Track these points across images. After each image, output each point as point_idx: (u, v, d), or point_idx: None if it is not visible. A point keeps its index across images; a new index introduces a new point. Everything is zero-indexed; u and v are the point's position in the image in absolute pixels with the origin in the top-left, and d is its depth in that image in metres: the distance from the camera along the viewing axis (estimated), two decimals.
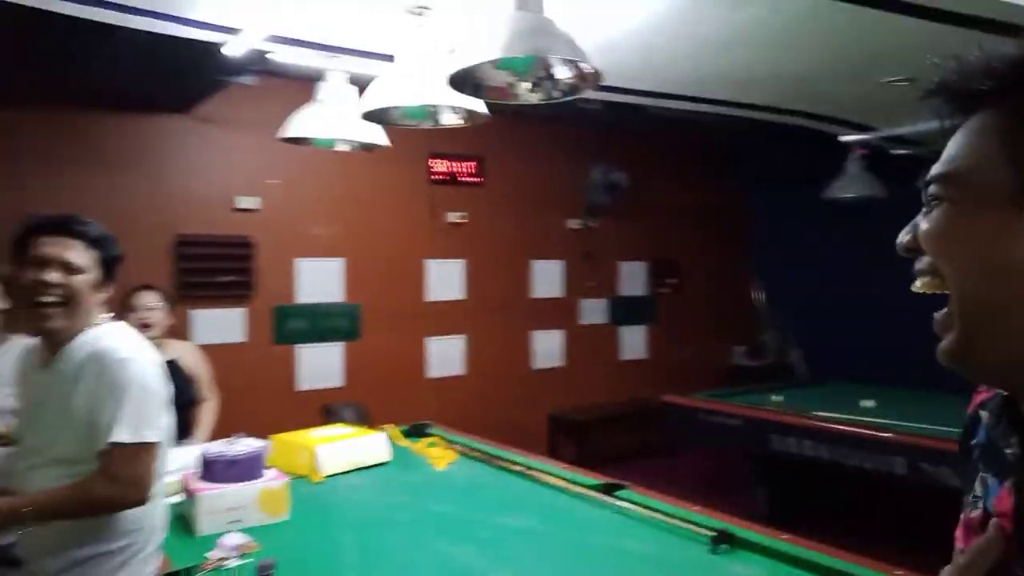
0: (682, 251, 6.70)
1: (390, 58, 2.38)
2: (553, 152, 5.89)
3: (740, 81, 3.73)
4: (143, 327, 3.01)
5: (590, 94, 1.94)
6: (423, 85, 2.13)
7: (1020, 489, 0.62)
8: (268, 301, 4.86)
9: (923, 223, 0.64)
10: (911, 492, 3.58)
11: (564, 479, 2.56)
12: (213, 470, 2.20)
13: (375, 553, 2.00)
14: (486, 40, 1.76)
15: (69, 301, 1.72)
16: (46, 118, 4.18)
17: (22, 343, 1.99)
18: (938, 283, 0.64)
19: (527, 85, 1.94)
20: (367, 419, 3.99)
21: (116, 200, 4.33)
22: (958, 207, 0.62)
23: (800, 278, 6.32)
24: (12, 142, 4.09)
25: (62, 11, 2.62)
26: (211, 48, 3.05)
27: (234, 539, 1.95)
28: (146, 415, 1.69)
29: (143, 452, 1.68)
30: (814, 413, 4.10)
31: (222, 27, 2.92)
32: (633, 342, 6.55)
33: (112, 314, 1.86)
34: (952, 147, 0.64)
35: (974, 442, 0.75)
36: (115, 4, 2.67)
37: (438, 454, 2.91)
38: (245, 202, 4.75)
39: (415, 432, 3.26)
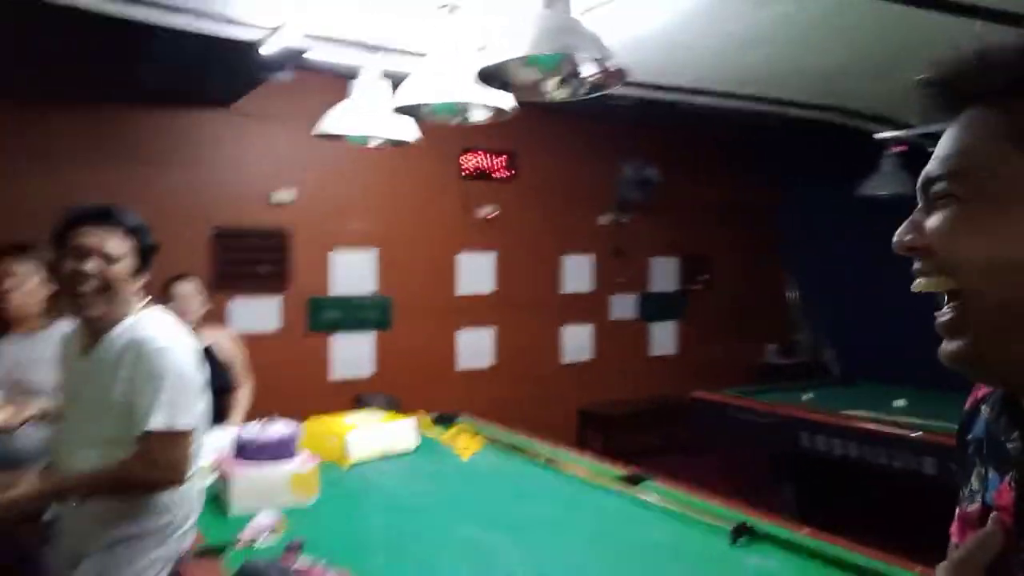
0: (714, 247, 6.67)
1: (423, 55, 2.43)
2: (584, 147, 5.90)
3: (768, 77, 3.72)
4: (181, 315, 3.11)
5: (620, 90, 1.97)
6: (452, 82, 2.18)
7: (1021, 483, 0.62)
8: (302, 292, 4.96)
9: (931, 221, 0.63)
10: (940, 492, 3.54)
11: (588, 469, 2.60)
12: (247, 452, 2.28)
13: (400, 536, 2.06)
14: (513, 38, 1.80)
15: (107, 289, 1.79)
16: (92, 115, 4.32)
17: (66, 326, 2.09)
18: (942, 283, 0.62)
19: (554, 82, 1.98)
20: (398, 408, 4.06)
21: (158, 193, 4.46)
22: (970, 205, 0.61)
23: (833, 276, 6.24)
24: (60, 138, 4.24)
25: (107, 11, 2.72)
26: (249, 46, 3.14)
27: (265, 519, 2.02)
28: (182, 403, 1.75)
29: (179, 438, 1.75)
30: (844, 411, 4.08)
31: (260, 26, 3.00)
32: (663, 338, 6.55)
33: (150, 298, 1.94)
34: (955, 143, 0.63)
35: (970, 436, 0.75)
36: (158, 4, 2.77)
37: (464, 443, 2.97)
38: (281, 195, 4.85)
39: (443, 420, 3.33)
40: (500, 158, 5.61)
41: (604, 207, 6.12)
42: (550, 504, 2.34)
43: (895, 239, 0.66)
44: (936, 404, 4.22)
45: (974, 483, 0.71)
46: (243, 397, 3.37)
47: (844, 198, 4.92)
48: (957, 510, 0.74)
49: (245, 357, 3.50)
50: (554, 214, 5.88)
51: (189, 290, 3.23)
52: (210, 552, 1.86)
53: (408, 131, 2.83)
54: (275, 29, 2.97)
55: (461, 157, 5.47)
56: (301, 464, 2.30)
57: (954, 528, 0.83)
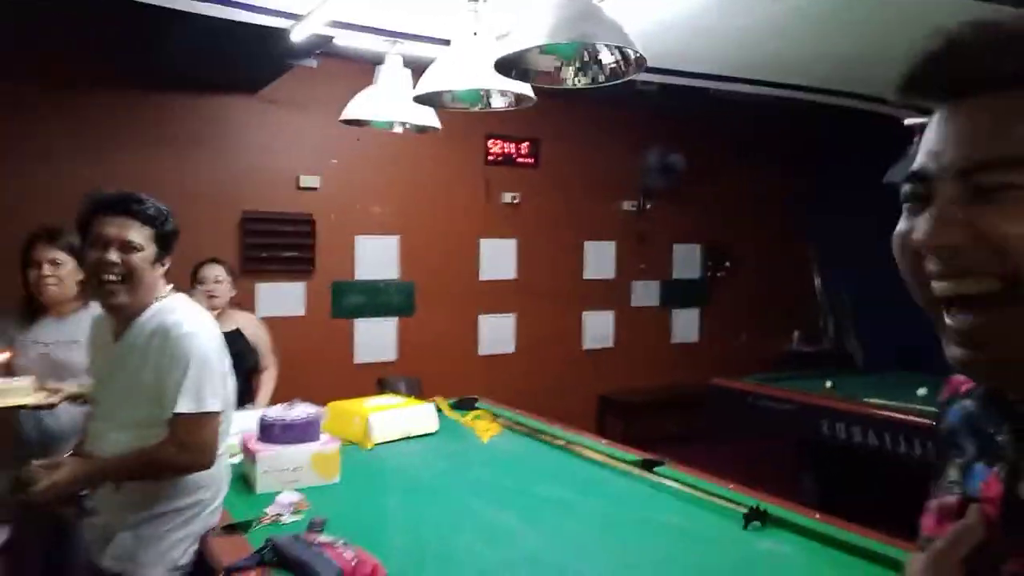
0: (737, 235, 6.64)
1: (447, 43, 2.46)
2: (608, 134, 5.89)
3: (793, 63, 3.68)
4: (209, 298, 3.19)
5: (644, 76, 1.98)
6: (474, 69, 2.20)
7: (1011, 475, 0.62)
8: (327, 277, 5.04)
9: (990, 216, 0.56)
10: None
11: (605, 454, 2.63)
12: (271, 433, 2.34)
13: (419, 515, 2.12)
14: (532, 26, 1.82)
15: (130, 278, 1.84)
16: (122, 100, 4.41)
17: (97, 309, 2.15)
18: (985, 283, 0.57)
19: (573, 70, 1.99)
20: (420, 392, 4.12)
21: (187, 178, 4.55)
22: None
23: (859, 264, 6.18)
24: (91, 123, 4.33)
25: None
26: (277, 33, 3.18)
27: (289, 497, 2.09)
28: (208, 386, 1.81)
29: (207, 420, 1.81)
30: (866, 400, 4.06)
31: (287, 13, 3.04)
32: (685, 326, 6.54)
33: (172, 286, 1.98)
34: (1003, 128, 0.57)
35: (947, 427, 0.75)
36: None
37: (484, 427, 3.01)
38: (307, 181, 4.92)
39: (463, 405, 3.38)
40: (523, 145, 5.63)
41: (627, 194, 6.11)
42: (566, 487, 2.38)
43: (926, 238, 0.58)
44: None
45: (952, 474, 0.71)
46: (268, 380, 3.45)
47: (871, 185, 4.87)
48: (933, 502, 0.74)
49: (270, 340, 3.57)
50: (577, 200, 5.88)
51: (218, 274, 3.29)
52: (236, 528, 1.92)
53: (432, 117, 2.86)
54: (302, 16, 3.01)
55: (484, 143, 5.50)
56: (324, 445, 2.36)
57: (928, 520, 0.82)
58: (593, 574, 1.76)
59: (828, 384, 4.61)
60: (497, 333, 5.65)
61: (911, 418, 3.71)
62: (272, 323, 3.80)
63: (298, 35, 3.17)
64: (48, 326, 2.67)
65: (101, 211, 1.86)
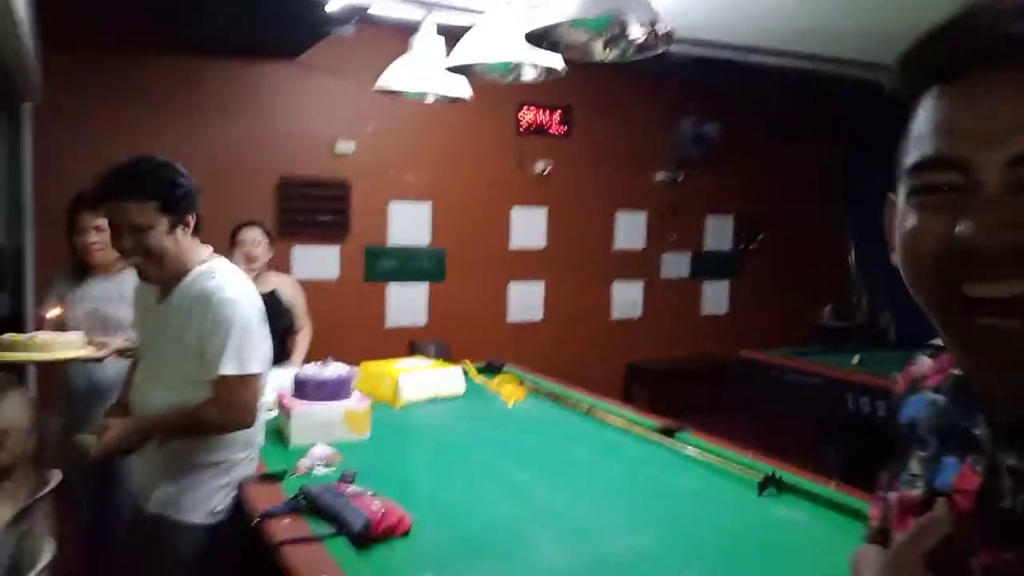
0: (771, 207, 6.58)
1: (481, 12, 2.49)
2: (641, 103, 5.86)
3: (830, 35, 3.64)
4: (248, 260, 3.29)
5: (677, 48, 1.99)
6: (504, 41, 2.24)
7: (990, 468, 0.61)
8: (360, 241, 5.13)
9: None
10: None
11: (626, 420, 2.70)
12: (306, 390, 2.45)
13: (444, 471, 2.21)
14: (562, 0, 1.85)
15: (151, 256, 1.89)
16: (164, 66, 4.51)
17: None
18: None
19: (602, 44, 2.02)
20: (448, 357, 4.21)
21: (226, 142, 4.66)
22: None
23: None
24: (132, 88, 4.43)
25: None
26: (315, 1, 3.23)
27: (321, 451, 2.19)
28: (250, 349, 1.88)
29: (249, 382, 1.89)
30: (893, 375, 4.05)
31: None
32: (715, 298, 6.54)
33: (211, 249, 2.03)
34: None
35: (908, 420, 0.74)
36: None
37: (509, 391, 3.10)
38: (343, 146, 4.99)
39: (490, 369, 3.46)
40: (556, 113, 5.62)
41: (660, 164, 6.08)
42: (588, 450, 2.45)
43: (983, 237, 0.53)
44: None
45: (914, 467, 0.70)
46: (303, 340, 3.56)
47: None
48: (891, 494, 0.73)
49: (305, 302, 3.67)
50: (609, 170, 5.88)
51: (256, 236, 3.38)
52: (271, 478, 2.03)
53: (464, 87, 2.90)
54: None
55: (517, 113, 5.51)
56: (355, 403, 2.46)
57: (894, 513, 0.81)
58: (610, 531, 1.83)
59: (855, 359, 4.61)
60: (526, 301, 5.72)
61: None
62: (306, 286, 3.90)
63: (337, 2, 3.21)
64: (96, 283, 2.79)
65: (104, 198, 1.89)
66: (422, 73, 2.90)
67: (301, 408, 2.38)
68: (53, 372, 2.78)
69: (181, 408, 1.91)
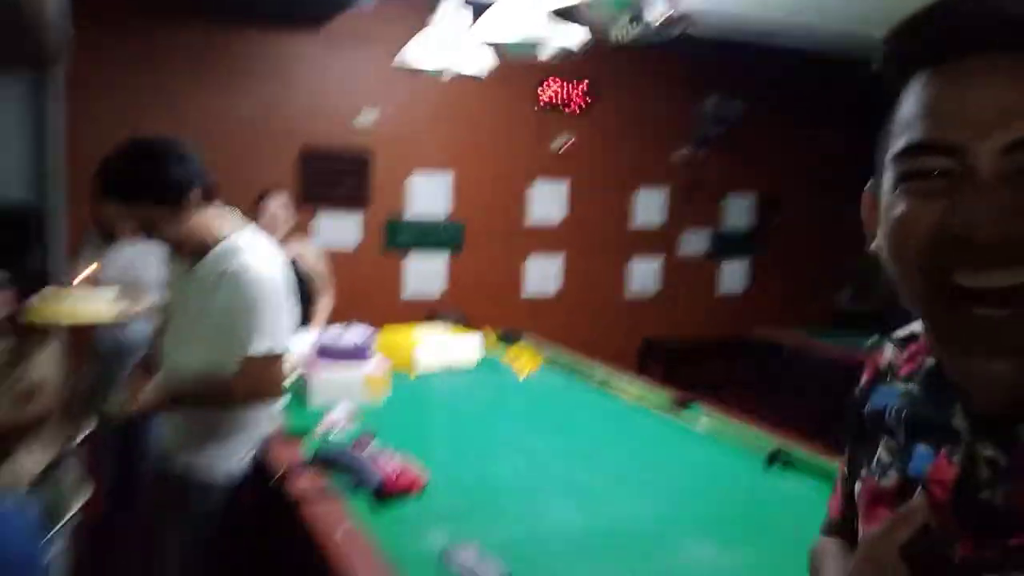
0: (792, 187, 6.54)
1: None
2: (663, 80, 5.82)
3: (857, 15, 3.61)
4: (271, 228, 3.35)
5: (700, 27, 2.00)
6: (525, 19, 2.25)
7: (968, 457, 0.60)
8: (380, 212, 5.19)
9: None
10: None
11: (638, 393, 2.75)
12: (326, 354, 2.52)
13: (458, 436, 2.28)
14: None
15: (166, 239, 1.94)
16: (190, 33, 4.55)
17: None
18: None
19: (623, 23, 2.03)
20: (466, 326, 4.27)
21: (250, 111, 4.71)
22: None
23: None
24: (161, 55, 4.49)
25: None
26: None
27: (340, 412, 2.26)
28: (278, 327, 1.93)
29: (277, 360, 1.94)
30: None
31: None
32: (732, 277, 6.54)
33: (238, 220, 2.04)
34: None
35: (874, 410, 0.74)
36: None
37: (525, 361, 3.15)
38: (364, 117, 5.03)
39: (507, 338, 3.52)
40: (577, 89, 5.61)
41: (681, 141, 6.06)
42: (599, 420, 2.51)
43: (980, 224, 0.51)
44: None
45: (883, 456, 0.69)
46: (324, 306, 3.63)
47: None
48: (857, 485, 0.73)
49: (327, 270, 3.74)
50: (629, 146, 5.87)
51: (278, 204, 3.44)
52: (292, 437, 2.10)
53: (482, 65, 2.92)
54: None
55: (538, 87, 5.50)
56: (374, 367, 2.53)
57: (832, 501, 0.85)
58: (619, 498, 1.89)
59: (870, 341, 4.61)
60: (543, 275, 5.76)
61: None
62: (328, 254, 3.96)
63: None
64: (127, 245, 2.87)
65: (104, 198, 1.93)
66: (443, 48, 2.91)
67: (322, 371, 2.45)
68: (81, 331, 2.87)
69: (209, 377, 1.96)
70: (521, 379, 3.02)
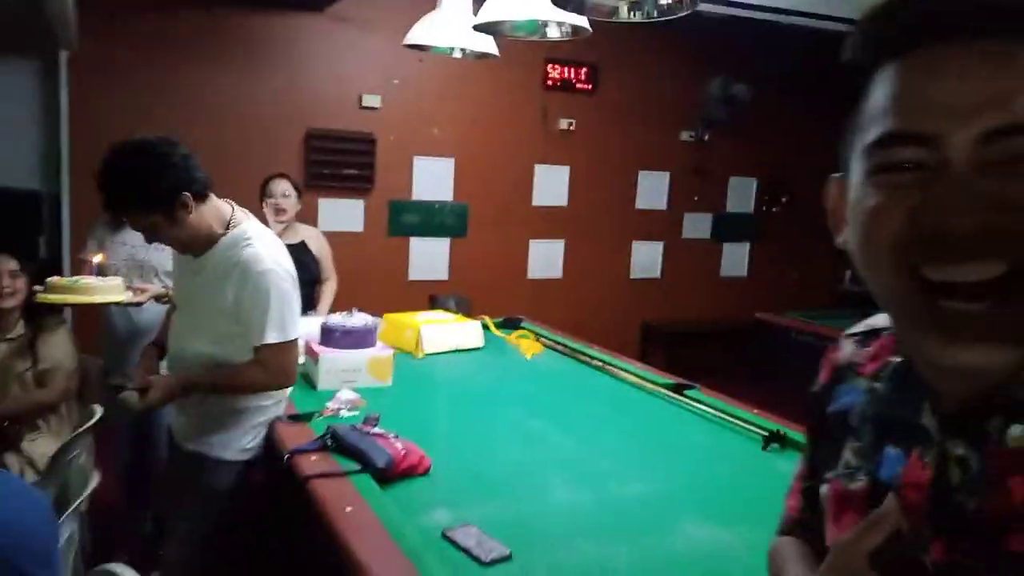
0: (797, 171, 6.52)
1: None
2: (670, 61, 5.80)
3: None
4: (277, 212, 3.38)
5: (707, 7, 2.00)
6: (531, 0, 2.27)
7: (942, 457, 0.58)
8: (385, 195, 5.21)
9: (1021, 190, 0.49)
10: None
11: (639, 376, 2.79)
12: (332, 338, 2.56)
13: (462, 418, 2.33)
14: None
15: (169, 240, 1.99)
16: (196, 16, 4.55)
17: None
18: (1000, 268, 0.50)
19: (628, 5, 2.04)
20: (469, 311, 4.31)
21: (255, 94, 4.73)
22: None
23: None
24: (167, 39, 4.50)
25: None
26: None
27: (347, 395, 2.31)
28: (288, 317, 1.96)
29: (289, 347, 1.99)
30: None
31: None
32: (735, 260, 6.55)
33: (242, 211, 2.05)
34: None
35: (834, 409, 0.72)
36: None
37: (527, 345, 3.19)
38: (369, 100, 5.04)
39: (508, 324, 3.56)
40: (582, 70, 5.60)
41: (685, 123, 6.05)
42: (600, 403, 2.55)
43: (961, 218, 0.50)
44: None
45: (850, 459, 0.67)
46: (329, 290, 3.66)
47: None
48: (825, 487, 0.70)
49: (331, 254, 3.77)
50: (633, 128, 5.86)
51: (285, 189, 3.45)
52: (299, 418, 2.15)
53: (491, 44, 2.93)
54: None
55: (543, 68, 5.50)
56: (379, 351, 2.57)
57: (791, 500, 0.83)
58: (618, 477, 1.93)
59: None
60: (546, 258, 5.78)
61: None
62: (331, 238, 3.98)
63: None
64: (134, 230, 2.90)
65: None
66: (450, 28, 2.93)
67: (328, 354, 2.49)
68: (93, 315, 2.92)
69: (222, 364, 2.00)
70: (526, 358, 3.06)
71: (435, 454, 1.89)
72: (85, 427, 2.29)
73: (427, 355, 2.97)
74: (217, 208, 2.00)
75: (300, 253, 3.22)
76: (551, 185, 5.69)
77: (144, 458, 2.92)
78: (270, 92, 4.78)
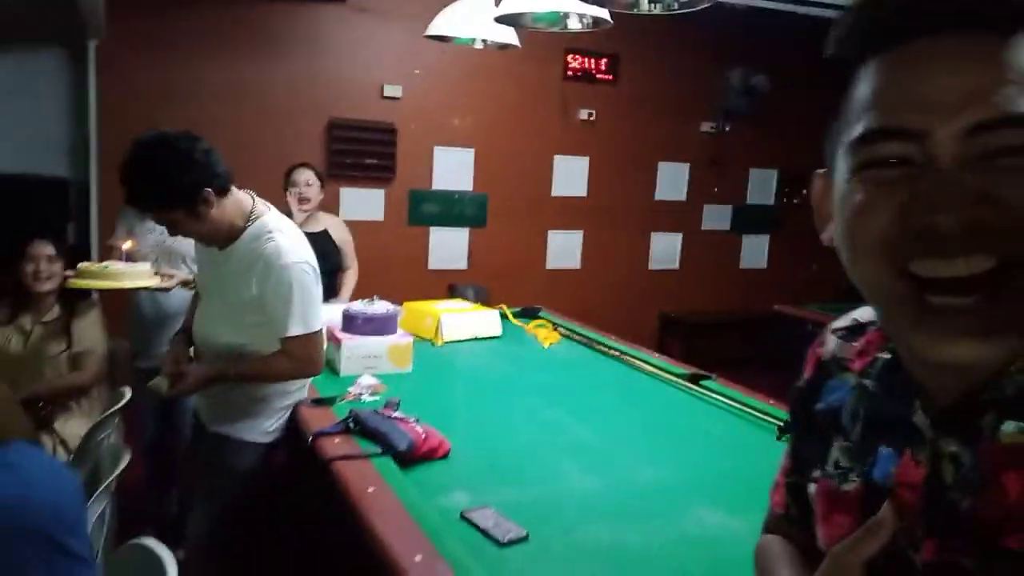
0: (817, 162, 6.44)
1: None
2: (691, 52, 5.78)
3: None
4: (301, 200, 3.44)
5: None
6: None
7: (934, 456, 0.57)
8: (405, 185, 5.26)
9: (1011, 186, 0.49)
10: None
11: (656, 366, 2.82)
12: (354, 324, 2.61)
13: (480, 404, 2.38)
14: None
15: (193, 234, 2.03)
16: (221, 6, 4.62)
17: None
18: (989, 263, 0.50)
19: None
20: (487, 300, 4.35)
21: (279, 83, 4.79)
22: None
23: None
24: (192, 29, 4.57)
25: None
26: None
27: (368, 380, 2.36)
28: (312, 309, 2.01)
29: (314, 338, 2.04)
30: None
31: None
32: (754, 252, 6.54)
33: (262, 204, 2.08)
34: (1010, 74, 0.50)
35: (826, 408, 0.70)
36: None
37: (544, 334, 3.23)
38: (391, 90, 5.08)
39: (526, 314, 3.60)
40: (602, 61, 5.61)
41: (705, 115, 6.04)
42: (616, 392, 2.59)
43: (948, 213, 0.49)
44: None
45: (840, 459, 0.66)
46: (351, 278, 3.72)
47: None
48: (814, 485, 0.69)
49: (352, 242, 3.82)
50: (653, 119, 5.86)
51: (308, 178, 3.51)
52: (322, 402, 2.20)
53: (512, 35, 2.95)
54: None
55: (563, 59, 5.51)
56: (400, 338, 2.63)
57: (776, 495, 0.83)
58: (633, 464, 1.97)
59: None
60: (565, 248, 5.81)
61: None
62: (352, 226, 4.04)
63: None
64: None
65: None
66: (472, 19, 2.95)
67: (350, 341, 2.55)
68: (121, 299, 2.99)
69: (248, 353, 2.05)
70: (546, 346, 3.11)
71: (454, 439, 1.93)
72: (115, 408, 2.36)
73: (446, 343, 3.02)
74: (238, 201, 2.03)
75: (322, 241, 3.27)
76: (571, 176, 5.71)
77: (167, 439, 2.99)
78: (293, 82, 4.84)
